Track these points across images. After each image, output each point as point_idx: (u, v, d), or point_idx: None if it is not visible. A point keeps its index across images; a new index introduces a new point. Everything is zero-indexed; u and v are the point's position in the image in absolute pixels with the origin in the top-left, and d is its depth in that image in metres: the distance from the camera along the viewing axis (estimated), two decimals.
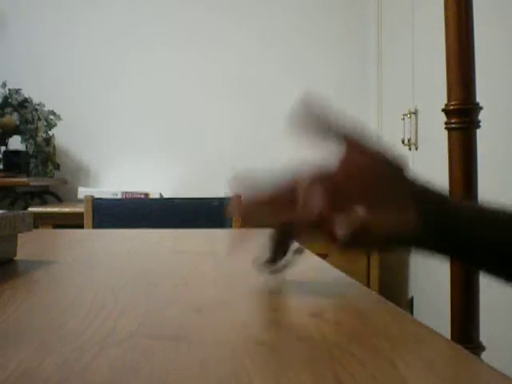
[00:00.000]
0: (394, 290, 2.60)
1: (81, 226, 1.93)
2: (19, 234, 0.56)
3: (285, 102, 2.88)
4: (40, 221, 2.17)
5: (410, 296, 2.45)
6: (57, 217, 2.22)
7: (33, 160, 2.57)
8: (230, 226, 1.95)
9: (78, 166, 2.83)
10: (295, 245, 0.44)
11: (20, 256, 0.57)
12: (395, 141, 2.51)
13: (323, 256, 0.68)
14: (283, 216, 0.40)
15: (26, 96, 2.57)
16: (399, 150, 2.48)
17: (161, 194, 2.44)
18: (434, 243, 0.48)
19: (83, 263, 0.54)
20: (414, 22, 2.40)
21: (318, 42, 2.88)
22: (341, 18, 2.89)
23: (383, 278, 2.43)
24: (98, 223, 1.89)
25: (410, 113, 2.38)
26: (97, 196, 1.95)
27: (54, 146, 2.65)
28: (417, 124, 2.36)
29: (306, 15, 2.87)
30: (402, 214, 0.42)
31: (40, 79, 2.77)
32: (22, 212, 0.54)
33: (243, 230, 0.46)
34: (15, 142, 2.57)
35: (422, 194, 0.46)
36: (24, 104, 2.54)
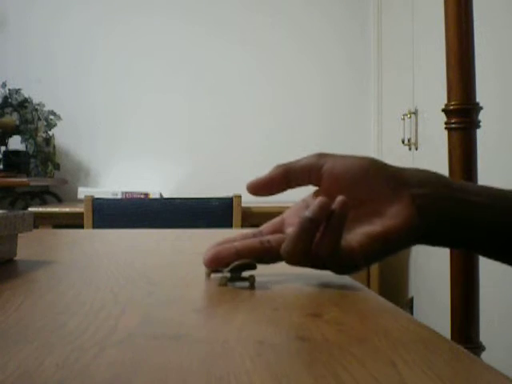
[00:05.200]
0: (394, 290, 2.60)
1: (81, 226, 1.93)
2: (19, 234, 0.56)
3: (281, 103, 2.88)
4: (40, 221, 2.17)
5: (410, 296, 2.45)
6: (57, 217, 2.22)
7: (33, 160, 2.57)
8: (230, 226, 1.95)
9: (78, 166, 2.83)
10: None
11: (20, 256, 0.57)
12: (395, 141, 2.51)
13: None
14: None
15: (26, 96, 2.57)
16: (399, 150, 2.48)
17: (161, 194, 2.44)
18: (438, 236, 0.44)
19: (83, 263, 0.54)
20: (414, 21, 2.39)
21: (317, 43, 2.88)
22: (341, 19, 2.89)
23: (383, 277, 2.43)
24: (98, 223, 1.89)
25: (410, 113, 2.37)
26: (97, 196, 1.95)
27: (54, 146, 2.65)
28: (417, 124, 2.36)
29: (306, 16, 2.87)
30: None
31: (40, 79, 2.77)
32: (22, 212, 0.54)
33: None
34: (15, 142, 2.57)
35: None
36: (24, 104, 2.54)
